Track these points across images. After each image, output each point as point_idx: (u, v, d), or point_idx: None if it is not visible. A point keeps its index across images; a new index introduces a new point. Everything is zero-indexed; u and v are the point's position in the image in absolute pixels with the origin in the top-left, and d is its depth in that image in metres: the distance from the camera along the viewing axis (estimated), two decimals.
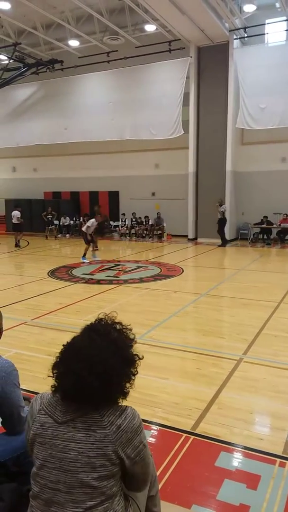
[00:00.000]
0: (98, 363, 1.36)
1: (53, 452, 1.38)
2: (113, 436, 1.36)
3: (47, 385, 3.64)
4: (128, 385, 1.45)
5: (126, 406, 1.46)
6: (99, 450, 1.35)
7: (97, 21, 13.99)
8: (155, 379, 3.82)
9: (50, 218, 17.15)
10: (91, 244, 11.22)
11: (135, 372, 1.47)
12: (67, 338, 4.83)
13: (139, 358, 1.49)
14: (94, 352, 1.38)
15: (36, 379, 3.90)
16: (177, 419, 3.14)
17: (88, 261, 10.97)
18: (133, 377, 1.47)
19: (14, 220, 14.47)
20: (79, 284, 8.40)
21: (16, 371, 2.08)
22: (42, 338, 5.12)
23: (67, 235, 18.04)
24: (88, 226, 10.97)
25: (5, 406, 2.00)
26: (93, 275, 9.35)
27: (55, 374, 1.46)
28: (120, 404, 1.46)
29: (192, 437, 2.90)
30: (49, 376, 1.48)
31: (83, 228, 11.19)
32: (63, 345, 1.49)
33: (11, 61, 15.76)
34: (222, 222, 14.10)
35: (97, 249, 11.76)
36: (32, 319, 5.84)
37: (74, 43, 15.53)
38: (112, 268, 10.17)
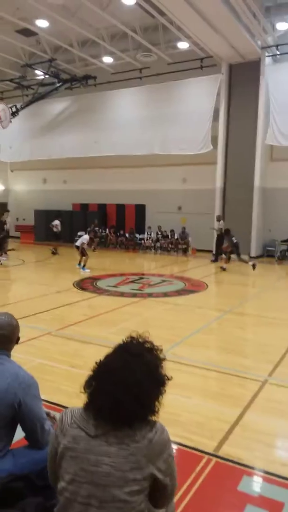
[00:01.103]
0: (133, 385, 1.39)
1: (85, 466, 1.38)
2: (146, 450, 1.38)
3: (69, 396, 3.69)
4: (157, 404, 1.47)
5: (155, 420, 1.48)
6: (132, 464, 1.36)
7: (131, 38, 14.33)
8: (178, 397, 3.78)
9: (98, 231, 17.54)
10: (85, 256, 11.84)
11: (164, 392, 1.49)
12: (90, 350, 4.89)
13: (168, 379, 1.51)
14: (129, 374, 1.41)
15: (59, 390, 3.93)
16: (200, 439, 3.09)
17: (89, 270, 11.39)
18: (161, 397, 1.48)
19: (55, 230, 14.89)
20: (104, 296, 8.45)
21: (36, 383, 2.07)
22: (65, 349, 5.16)
23: (92, 246, 18.22)
24: (82, 242, 11.86)
25: (27, 419, 1.98)
26: (118, 287, 9.40)
27: (88, 392, 1.48)
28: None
29: (215, 459, 2.84)
30: (81, 392, 1.50)
31: (78, 243, 12.10)
32: (96, 362, 1.51)
33: (46, 76, 16.29)
34: (220, 238, 13.56)
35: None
36: (56, 330, 5.91)
37: (107, 59, 15.93)
38: (136, 281, 10.20)
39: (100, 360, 1.51)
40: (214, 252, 14.37)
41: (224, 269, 11.93)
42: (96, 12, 12.07)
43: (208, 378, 4.45)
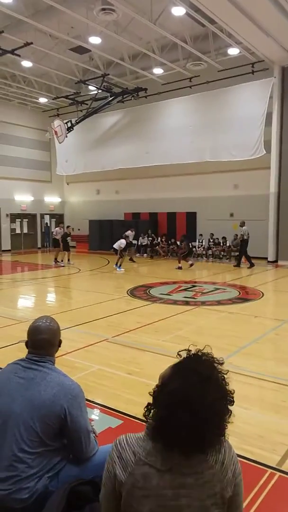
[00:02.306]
0: (214, 414, 1.31)
1: (163, 503, 1.30)
2: (220, 474, 1.32)
3: (126, 403, 3.75)
4: (226, 423, 1.38)
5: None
6: (210, 491, 1.30)
7: (181, 48, 14.46)
8: (236, 408, 3.69)
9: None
10: (121, 257, 13.79)
11: (231, 411, 1.40)
12: (146, 357, 4.93)
13: (232, 394, 1.41)
14: (207, 403, 1.30)
15: (117, 396, 4.00)
16: (262, 453, 3.01)
17: (123, 270, 13.38)
18: (229, 415, 1.39)
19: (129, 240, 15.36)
20: (157, 304, 8.50)
21: (82, 393, 2.01)
22: (122, 355, 5.25)
23: (145, 254, 18.44)
24: (120, 246, 13.79)
25: (72, 430, 1.93)
26: (171, 295, 9.41)
27: (154, 421, 1.36)
28: None
29: (278, 473, 2.76)
30: (144, 417, 1.40)
31: (116, 246, 14.04)
32: (158, 385, 1.40)
33: (99, 91, 16.83)
34: (243, 243, 14.37)
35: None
36: (112, 337, 6.03)
37: (158, 71, 16.17)
38: (189, 289, 10.16)
39: (163, 384, 1.38)
40: (246, 257, 14.69)
41: (180, 268, 13.72)
42: (146, 25, 12.34)
43: (266, 390, 4.33)
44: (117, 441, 1.43)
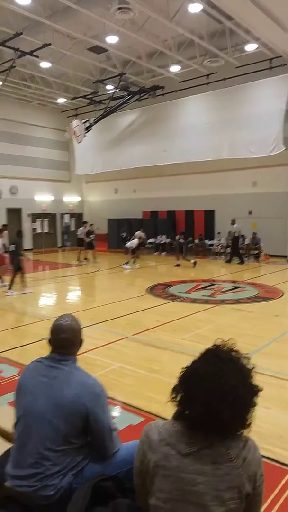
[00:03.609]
0: (228, 392, 1.33)
1: (180, 485, 1.34)
2: (241, 470, 1.33)
3: (148, 401, 3.80)
4: (250, 416, 1.40)
5: (247, 437, 1.42)
6: (228, 484, 1.31)
7: (198, 45, 14.37)
8: (257, 407, 3.71)
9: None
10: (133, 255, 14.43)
11: (255, 404, 1.41)
12: (166, 356, 4.98)
13: (260, 390, 1.43)
14: (223, 381, 1.34)
15: (137, 394, 4.06)
16: (283, 453, 3.02)
17: (129, 267, 13.98)
18: (253, 409, 1.41)
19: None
20: (176, 302, 8.53)
21: (105, 392, 2.02)
22: (142, 354, 5.31)
23: (163, 253, 18.45)
24: (132, 244, 14.46)
25: (95, 429, 1.96)
26: (189, 294, 9.42)
27: (177, 400, 1.42)
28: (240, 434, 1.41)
29: None
30: (169, 402, 1.45)
31: (128, 245, 14.79)
32: (182, 368, 1.46)
33: (117, 90, 16.89)
34: (235, 240, 15.18)
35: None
36: (132, 335, 6.09)
37: (175, 68, 16.12)
38: (207, 288, 10.14)
39: (187, 366, 1.44)
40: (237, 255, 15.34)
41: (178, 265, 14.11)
42: (163, 23, 12.31)
43: (286, 390, 4.31)
44: (148, 424, 1.52)
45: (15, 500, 1.93)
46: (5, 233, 11.23)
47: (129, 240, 15.73)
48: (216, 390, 1.33)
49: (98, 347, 5.46)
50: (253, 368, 1.46)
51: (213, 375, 1.35)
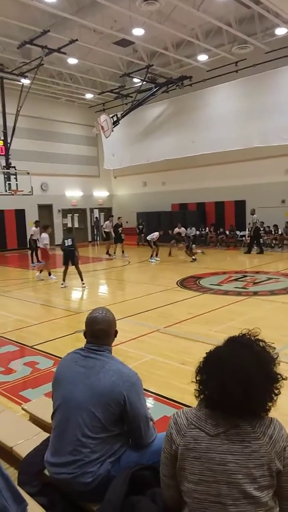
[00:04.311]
0: (240, 371, 1.39)
1: (211, 466, 1.39)
2: (268, 447, 1.37)
3: (181, 392, 3.80)
4: (270, 403, 1.45)
5: (272, 417, 1.46)
6: (257, 461, 1.36)
7: (226, 32, 14.06)
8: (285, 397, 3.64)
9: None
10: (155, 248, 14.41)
11: (278, 392, 1.45)
12: (199, 348, 4.95)
13: (283, 378, 1.47)
14: (237, 361, 1.42)
15: (171, 385, 4.07)
16: None
17: (154, 261, 14.09)
18: (275, 396, 1.45)
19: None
20: (207, 295, 8.46)
21: (140, 380, 2.05)
22: (174, 346, 5.31)
23: (194, 245, 18.29)
24: (152, 237, 14.37)
25: (131, 417, 1.98)
26: (221, 285, 9.32)
27: (198, 381, 1.51)
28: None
29: None
30: (192, 382, 1.53)
31: (148, 238, 14.70)
32: (206, 353, 1.54)
33: (144, 83, 16.81)
34: (256, 231, 15.12)
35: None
36: (164, 327, 6.10)
37: (202, 57, 15.85)
38: (240, 279, 10.00)
39: (210, 351, 1.54)
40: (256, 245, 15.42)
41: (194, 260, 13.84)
42: (189, 11, 12.12)
43: None
44: (175, 412, 1.59)
45: (55, 487, 1.98)
46: (49, 229, 11.69)
47: (146, 233, 15.71)
48: (230, 369, 1.40)
49: (130, 339, 5.50)
50: (277, 357, 1.51)
51: (229, 357, 1.44)
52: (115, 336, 2.19)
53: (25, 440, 2.46)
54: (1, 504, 1.38)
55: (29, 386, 4.19)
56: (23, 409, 3.17)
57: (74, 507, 1.97)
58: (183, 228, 15.39)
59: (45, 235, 11.28)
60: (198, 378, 1.51)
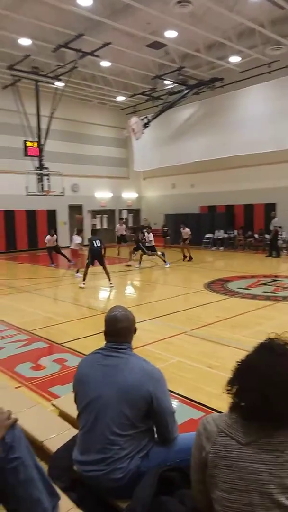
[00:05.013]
0: (282, 381, 1.36)
1: (242, 475, 1.36)
2: None
3: (208, 396, 3.78)
4: None
5: None
6: None
7: (259, 34, 13.89)
8: None
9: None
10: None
11: None
12: (226, 352, 4.91)
13: None
14: (275, 370, 1.38)
15: (197, 388, 4.06)
16: None
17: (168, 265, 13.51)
18: None
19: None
20: (235, 298, 8.37)
21: (163, 376, 2.08)
22: (201, 349, 5.29)
23: (221, 248, 18.16)
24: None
25: (158, 412, 2.01)
26: (249, 290, 9.20)
27: (232, 391, 1.47)
28: None
29: None
30: (224, 393, 1.48)
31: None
32: (237, 362, 1.50)
33: (175, 85, 16.82)
34: (276, 235, 15.15)
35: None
36: (191, 330, 6.09)
37: (235, 59, 15.71)
38: (269, 284, 9.84)
39: (241, 360, 1.49)
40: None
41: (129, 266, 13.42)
42: (222, 13, 12.05)
43: None
44: (203, 418, 1.56)
45: (83, 483, 2.03)
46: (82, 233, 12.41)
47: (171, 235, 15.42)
48: (269, 379, 1.37)
49: (157, 341, 5.52)
50: None
51: (266, 366, 1.39)
52: (134, 333, 2.23)
53: (55, 435, 2.53)
54: (36, 496, 1.43)
55: (58, 382, 4.28)
56: (52, 404, 3.26)
57: (102, 504, 2.01)
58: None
59: (77, 237, 11.86)
60: (232, 388, 1.47)
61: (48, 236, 14.10)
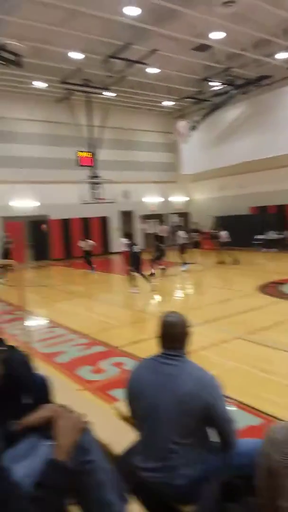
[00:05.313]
0: None
1: None
2: None
3: (265, 402, 3.74)
4: None
5: None
6: None
7: None
8: None
9: None
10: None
11: None
12: (282, 358, 4.80)
13: None
14: None
15: (254, 394, 4.02)
16: None
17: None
18: None
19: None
20: None
21: (219, 383, 2.05)
22: (256, 354, 5.22)
23: (273, 249, 17.67)
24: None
25: (216, 420, 2.00)
26: None
27: None
28: None
29: None
30: None
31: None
32: None
33: (222, 86, 16.68)
34: None
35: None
36: (245, 334, 6.02)
37: (282, 55, 15.29)
38: None
39: None
40: None
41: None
42: (268, 10, 11.80)
43: None
44: (272, 426, 1.54)
45: (146, 487, 2.05)
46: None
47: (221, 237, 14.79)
48: None
49: (211, 345, 5.53)
50: None
51: None
52: (189, 339, 2.21)
53: (119, 438, 2.60)
54: (109, 499, 1.48)
55: (117, 386, 4.42)
56: (114, 407, 3.39)
57: (166, 507, 2.06)
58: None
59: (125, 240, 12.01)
60: None
61: (87, 241, 14.66)
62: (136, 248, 10.12)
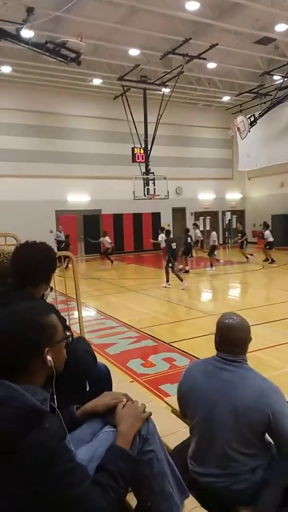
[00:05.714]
0: None
1: None
2: None
3: None
4: None
5: None
6: None
7: None
8: None
9: None
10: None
11: None
12: None
13: None
14: None
15: None
16: None
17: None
18: None
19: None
20: None
21: (283, 394, 1.95)
22: None
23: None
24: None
25: (278, 431, 1.90)
26: None
27: None
28: None
29: None
30: None
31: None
32: None
33: (285, 79, 16.01)
34: None
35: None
36: None
37: None
38: None
39: None
40: None
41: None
42: None
43: None
44: None
45: (203, 488, 1.98)
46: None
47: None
48: None
49: (268, 347, 5.33)
50: None
51: None
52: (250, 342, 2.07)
53: (172, 432, 2.58)
54: (168, 490, 1.48)
55: (167, 381, 4.41)
56: (165, 402, 3.37)
57: (222, 507, 1.98)
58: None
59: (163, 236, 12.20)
60: None
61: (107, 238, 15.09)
62: (174, 245, 10.07)
